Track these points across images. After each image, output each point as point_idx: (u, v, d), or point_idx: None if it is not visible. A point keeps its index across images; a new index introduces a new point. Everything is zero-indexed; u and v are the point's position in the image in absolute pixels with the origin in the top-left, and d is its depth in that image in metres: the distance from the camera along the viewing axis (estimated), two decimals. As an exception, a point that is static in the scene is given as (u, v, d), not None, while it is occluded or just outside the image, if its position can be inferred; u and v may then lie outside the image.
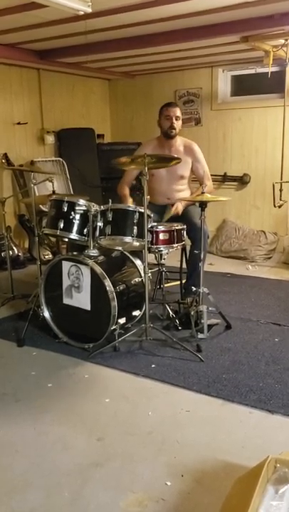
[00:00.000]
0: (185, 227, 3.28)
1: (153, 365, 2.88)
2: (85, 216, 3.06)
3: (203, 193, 3.20)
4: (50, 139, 5.72)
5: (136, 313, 3.24)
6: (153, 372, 2.80)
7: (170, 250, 3.24)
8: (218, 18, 3.62)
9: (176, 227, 3.18)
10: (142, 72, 6.06)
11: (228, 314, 3.50)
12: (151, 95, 6.16)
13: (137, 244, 3.04)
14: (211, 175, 5.78)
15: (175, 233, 3.17)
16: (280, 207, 5.19)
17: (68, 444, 2.18)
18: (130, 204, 3.40)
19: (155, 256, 3.34)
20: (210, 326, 3.33)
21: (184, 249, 3.70)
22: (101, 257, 3.13)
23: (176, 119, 3.67)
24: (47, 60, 4.82)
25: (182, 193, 3.81)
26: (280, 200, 5.16)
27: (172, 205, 3.66)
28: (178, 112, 3.69)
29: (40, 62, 4.92)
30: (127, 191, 3.80)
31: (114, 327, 3.00)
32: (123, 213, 3.01)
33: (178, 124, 3.68)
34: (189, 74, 5.92)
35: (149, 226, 3.06)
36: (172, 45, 4.28)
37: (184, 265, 3.79)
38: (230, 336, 3.30)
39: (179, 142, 3.79)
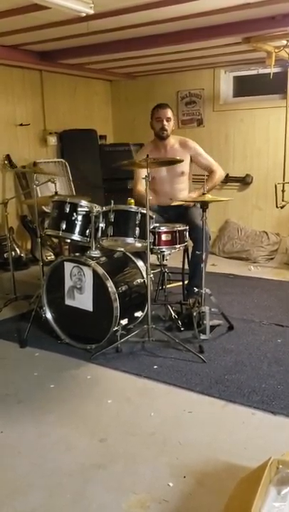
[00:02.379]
0: (187, 228, 3.28)
1: (155, 366, 2.88)
2: (87, 217, 3.06)
3: (204, 194, 3.20)
4: (52, 140, 5.73)
5: (138, 314, 3.24)
6: (155, 373, 2.80)
7: (172, 251, 3.24)
8: (219, 19, 3.62)
9: (179, 228, 3.18)
10: (144, 73, 6.06)
11: (230, 315, 3.49)
12: (154, 96, 6.14)
13: (139, 245, 3.04)
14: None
15: (177, 234, 3.17)
16: (282, 208, 5.18)
17: (70, 444, 2.18)
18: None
19: (157, 257, 3.34)
20: (212, 327, 3.32)
21: (186, 250, 3.70)
22: (103, 258, 3.14)
23: (167, 121, 3.66)
24: (49, 61, 4.82)
25: (184, 191, 3.81)
26: (283, 200, 5.16)
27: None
28: (169, 113, 3.68)
29: (43, 64, 4.93)
30: (141, 188, 3.67)
31: (116, 328, 3.00)
32: (125, 214, 3.01)
33: (169, 125, 3.68)
34: (191, 75, 5.92)
35: (151, 227, 3.06)
36: (174, 46, 4.29)
37: (186, 266, 3.79)
38: (233, 337, 3.30)
39: (174, 141, 3.78)
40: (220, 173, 3.81)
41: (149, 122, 3.77)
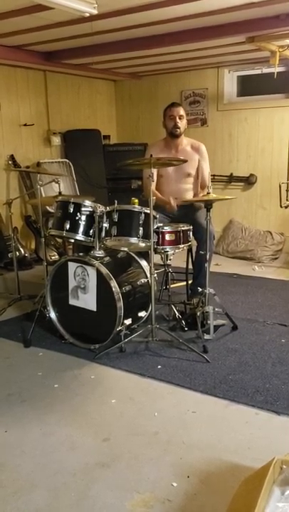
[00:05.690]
0: (191, 227, 3.28)
1: (159, 366, 2.88)
2: (90, 217, 3.07)
3: (208, 193, 3.20)
4: (56, 140, 5.74)
5: (142, 314, 3.24)
6: (159, 373, 2.80)
7: (176, 251, 3.24)
8: (223, 19, 3.62)
9: (182, 228, 3.18)
10: (148, 73, 6.07)
11: (234, 315, 3.49)
12: (157, 96, 6.17)
13: (143, 245, 3.04)
14: (217, 175, 5.81)
15: (181, 234, 3.17)
16: (286, 207, 5.18)
17: (74, 444, 2.18)
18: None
19: (161, 257, 3.34)
20: (216, 327, 3.32)
21: (190, 249, 3.70)
22: (107, 258, 3.14)
23: (180, 118, 3.69)
24: (53, 61, 4.84)
25: (190, 192, 3.81)
26: (287, 200, 5.15)
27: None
28: (181, 111, 3.71)
29: (46, 64, 4.94)
30: (152, 188, 3.74)
31: (120, 328, 3.01)
32: (129, 214, 3.01)
33: (182, 123, 3.71)
34: (195, 74, 5.91)
35: (155, 227, 3.06)
36: (178, 45, 4.28)
37: (190, 266, 3.79)
38: (237, 336, 3.30)
39: (186, 142, 3.80)
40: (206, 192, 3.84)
41: (162, 122, 3.79)
